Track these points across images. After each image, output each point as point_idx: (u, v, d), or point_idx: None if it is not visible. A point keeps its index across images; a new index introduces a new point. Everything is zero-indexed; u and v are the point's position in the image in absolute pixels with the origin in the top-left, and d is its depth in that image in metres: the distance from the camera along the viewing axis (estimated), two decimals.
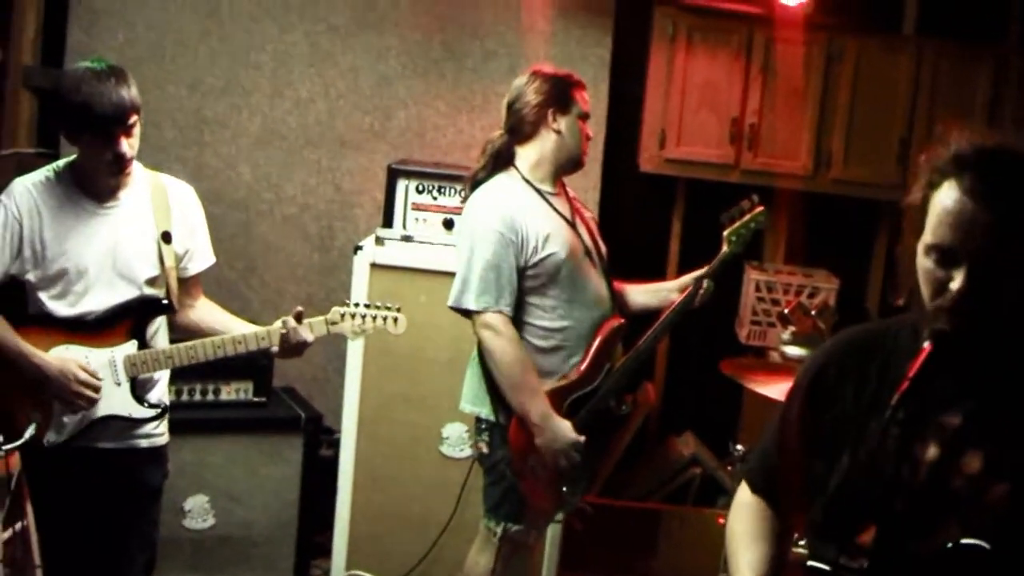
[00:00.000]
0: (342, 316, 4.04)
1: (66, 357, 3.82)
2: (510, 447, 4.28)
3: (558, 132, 4.31)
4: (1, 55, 5.74)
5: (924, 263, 2.23)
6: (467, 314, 4.28)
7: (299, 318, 3.95)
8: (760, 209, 4.54)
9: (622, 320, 4.45)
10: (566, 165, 4.39)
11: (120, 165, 3.78)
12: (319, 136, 6.38)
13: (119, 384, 3.90)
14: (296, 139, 6.38)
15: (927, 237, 2.22)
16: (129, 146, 3.76)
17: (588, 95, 4.44)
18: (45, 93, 6.10)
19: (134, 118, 3.74)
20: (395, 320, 4.12)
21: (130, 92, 3.72)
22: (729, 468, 5.28)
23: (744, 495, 2.67)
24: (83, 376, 3.79)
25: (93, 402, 3.82)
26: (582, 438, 4.25)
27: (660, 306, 4.55)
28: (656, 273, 6.12)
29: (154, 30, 6.27)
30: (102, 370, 3.87)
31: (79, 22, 6.23)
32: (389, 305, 4.11)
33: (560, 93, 4.33)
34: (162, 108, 6.25)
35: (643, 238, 6.54)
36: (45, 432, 3.85)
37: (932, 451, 2.25)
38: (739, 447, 4.83)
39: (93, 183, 3.86)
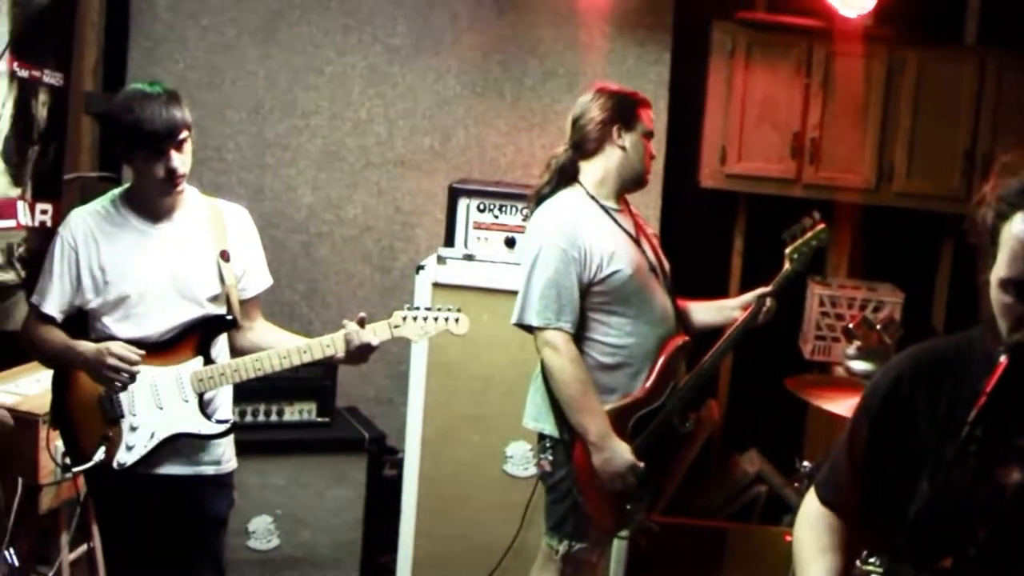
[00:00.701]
0: (404, 319, 4.03)
1: (110, 341, 3.84)
2: (574, 464, 4.27)
3: (623, 148, 4.32)
4: (63, 82, 5.83)
5: (1001, 297, 2.19)
6: (530, 330, 4.29)
7: (362, 323, 3.97)
8: (822, 226, 4.54)
9: (686, 337, 4.44)
10: (629, 182, 4.40)
11: (172, 181, 3.82)
12: (379, 157, 6.43)
13: (187, 401, 3.92)
14: (356, 160, 6.43)
15: (1002, 271, 2.18)
16: (181, 162, 3.81)
17: (651, 112, 4.46)
18: (105, 118, 6.20)
19: (184, 134, 3.80)
20: (457, 320, 4.09)
21: (181, 110, 3.79)
22: (795, 485, 5.26)
23: (812, 506, 2.64)
24: (117, 350, 3.79)
25: (130, 377, 3.81)
26: (640, 463, 4.24)
27: (723, 324, 4.54)
28: (718, 290, 6.12)
29: (214, 55, 6.35)
30: (169, 389, 3.90)
31: (139, 48, 6.33)
32: (450, 307, 4.10)
33: (626, 110, 4.34)
34: (222, 132, 6.33)
35: (705, 254, 6.52)
36: (114, 454, 3.88)
37: (1016, 475, 2.21)
38: (805, 464, 4.80)
39: (148, 203, 3.91)
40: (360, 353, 3.96)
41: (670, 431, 4.39)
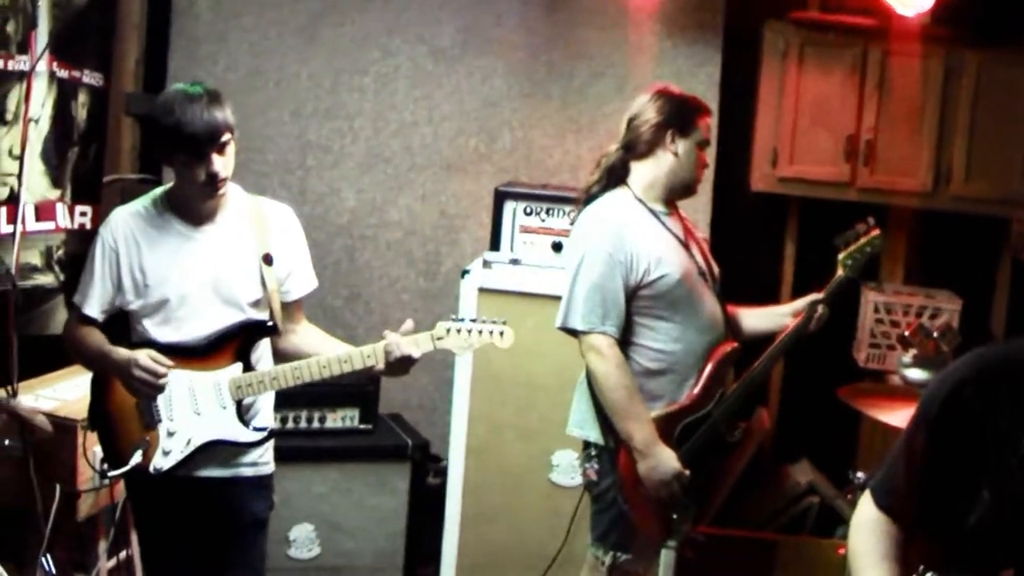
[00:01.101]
0: (448, 331, 3.99)
1: (142, 350, 3.85)
2: (619, 472, 4.26)
3: (675, 154, 4.29)
4: (103, 82, 5.85)
5: None
6: (574, 334, 4.27)
7: (410, 333, 3.95)
8: (876, 232, 4.48)
9: (735, 344, 4.42)
10: (678, 189, 4.37)
11: (214, 185, 3.81)
12: (424, 159, 6.43)
13: (224, 408, 3.92)
14: (400, 163, 6.43)
15: None
16: (222, 165, 3.79)
17: (710, 121, 4.42)
18: (146, 120, 6.22)
19: (227, 136, 3.79)
20: (501, 333, 4.03)
21: (223, 112, 3.78)
22: (848, 497, 5.21)
23: (868, 512, 2.61)
24: (144, 361, 3.79)
25: (157, 388, 3.82)
26: (686, 471, 4.22)
27: (774, 331, 4.50)
28: (769, 296, 6.06)
29: (255, 56, 6.37)
30: (207, 394, 3.90)
31: (180, 49, 6.36)
32: (496, 319, 4.06)
33: (683, 116, 4.31)
34: (264, 134, 6.35)
35: (755, 260, 6.47)
36: (151, 459, 3.89)
37: None
38: (858, 475, 4.75)
39: (189, 206, 3.91)
40: (401, 365, 3.93)
41: (717, 440, 4.36)
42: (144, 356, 3.80)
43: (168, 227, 3.91)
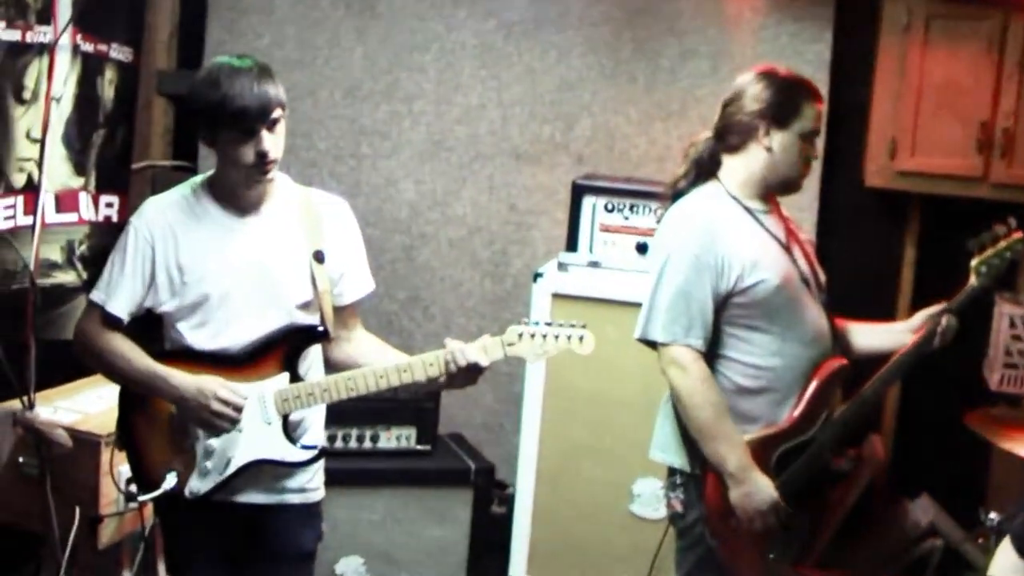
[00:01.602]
0: (520, 336, 3.94)
1: (210, 377, 3.83)
2: (706, 503, 4.21)
3: (768, 149, 4.24)
4: (132, 58, 5.91)
5: None
6: (655, 346, 4.24)
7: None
8: (1018, 236, 4.40)
9: (844, 360, 4.35)
10: (776, 187, 4.32)
11: (263, 167, 3.79)
12: (492, 148, 6.45)
13: (269, 423, 3.90)
14: (465, 151, 6.46)
15: None
16: (273, 144, 3.78)
17: (822, 108, 4.34)
18: (181, 99, 6.27)
19: (278, 112, 3.78)
20: (581, 338, 3.98)
21: (274, 86, 3.77)
22: (979, 540, 5.16)
23: (1008, 561, 2.58)
24: (224, 393, 3.79)
25: (234, 422, 3.82)
26: (783, 500, 4.18)
27: (890, 350, 4.41)
28: (884, 307, 6.02)
29: (305, 29, 6.42)
30: (250, 408, 3.87)
31: (219, 21, 6.42)
32: (573, 323, 4.01)
33: (783, 104, 4.22)
34: (314, 117, 6.40)
35: (869, 265, 6.42)
36: (186, 481, 3.89)
37: None
38: (990, 516, 4.69)
39: (234, 193, 3.90)
40: (466, 375, 3.89)
41: (823, 469, 4.31)
42: (219, 385, 3.80)
43: (209, 217, 3.91)
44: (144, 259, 3.88)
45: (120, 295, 3.89)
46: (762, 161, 4.24)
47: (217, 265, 3.88)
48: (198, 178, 4.02)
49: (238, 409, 3.81)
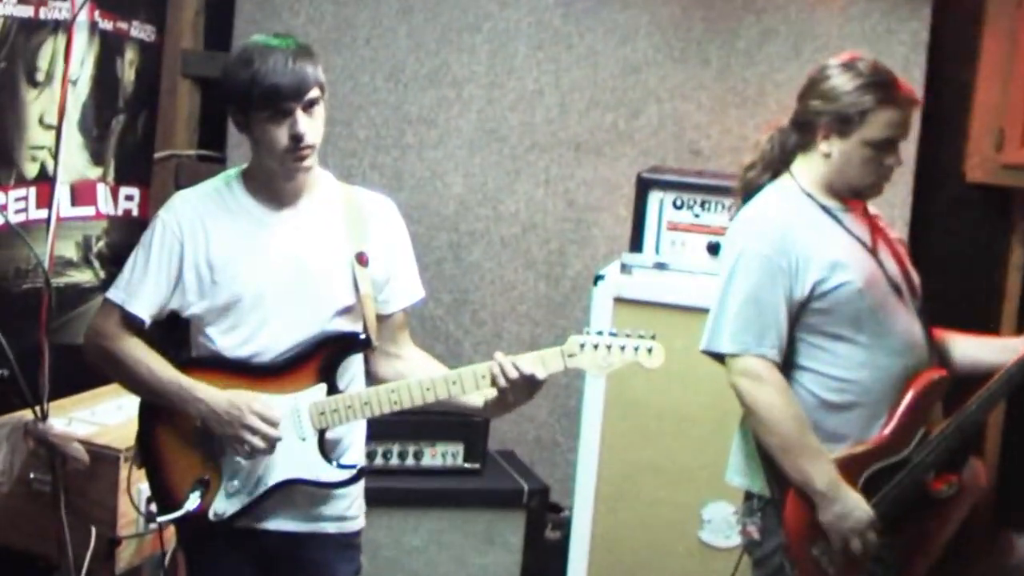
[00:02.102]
0: (582, 346, 3.91)
1: (241, 392, 3.85)
2: (787, 529, 4.20)
3: (825, 156, 4.24)
4: (155, 37, 5.95)
5: None
6: (723, 360, 4.25)
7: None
8: None
9: (943, 371, 4.34)
10: (845, 193, 4.30)
11: (298, 151, 3.80)
12: (548, 138, 6.46)
13: (304, 439, 3.91)
14: (519, 141, 6.48)
15: None
16: (309, 127, 3.79)
17: (908, 112, 4.27)
18: (208, 83, 6.33)
19: (316, 93, 3.80)
20: (649, 350, 3.98)
21: (313, 66, 3.80)
22: None
23: None
24: (258, 407, 3.80)
25: (271, 441, 3.82)
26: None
27: (996, 366, 4.36)
28: (987, 314, 6.00)
29: (344, 6, 6.46)
30: (283, 423, 3.87)
31: None
32: (641, 333, 4.00)
33: (850, 108, 4.17)
34: (353, 103, 6.44)
35: (970, 268, 6.37)
36: (211, 502, 3.92)
37: None
38: None
39: (270, 185, 3.92)
40: (521, 390, 3.87)
41: (919, 493, 4.28)
42: (253, 399, 3.82)
43: (243, 212, 3.94)
44: (172, 255, 3.91)
45: (143, 294, 3.92)
46: (822, 165, 4.25)
47: (251, 263, 3.90)
48: (232, 170, 4.06)
49: (275, 426, 3.82)
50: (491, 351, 3.92)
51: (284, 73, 3.73)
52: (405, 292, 4.13)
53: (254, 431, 3.81)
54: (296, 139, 3.78)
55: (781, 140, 4.35)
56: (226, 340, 3.93)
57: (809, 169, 4.29)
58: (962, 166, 6.15)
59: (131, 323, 3.94)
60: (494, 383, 3.85)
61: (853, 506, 4.14)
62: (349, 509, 4.08)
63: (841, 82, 4.20)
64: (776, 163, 4.36)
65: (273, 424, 3.82)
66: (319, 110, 3.83)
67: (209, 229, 3.92)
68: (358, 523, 4.13)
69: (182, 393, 3.87)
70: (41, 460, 4.68)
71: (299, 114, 3.77)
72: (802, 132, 4.28)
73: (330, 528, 4.05)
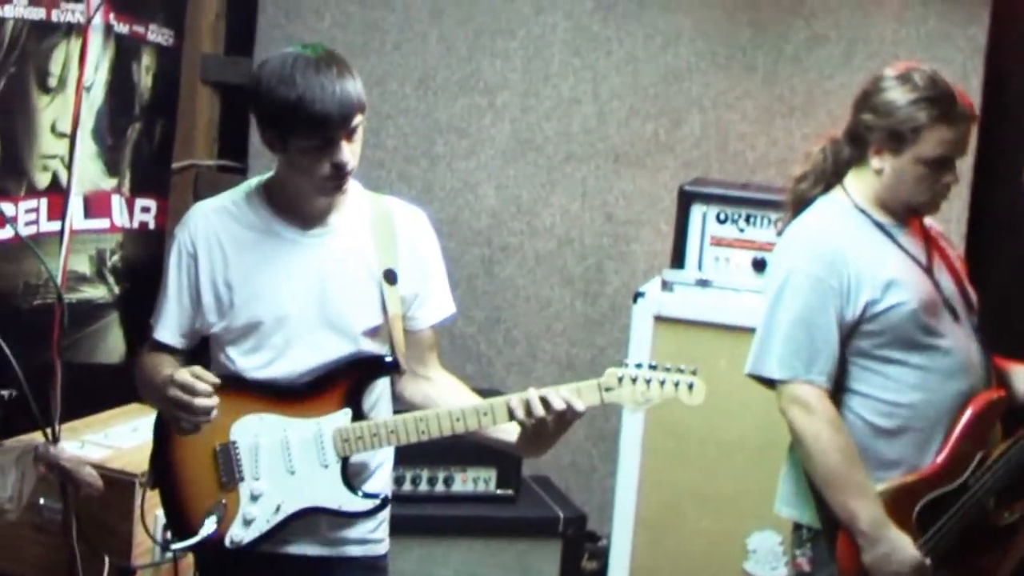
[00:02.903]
0: (620, 379, 3.85)
1: (184, 369, 3.75)
2: (840, 564, 4.17)
3: (877, 172, 4.20)
4: (173, 41, 5.94)
5: None
6: (771, 384, 4.22)
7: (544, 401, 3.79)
8: None
9: (1001, 392, 4.29)
10: (899, 210, 4.26)
11: (338, 180, 3.76)
12: (586, 148, 6.46)
13: (326, 466, 3.86)
14: (555, 152, 6.47)
15: None
16: (351, 154, 3.74)
17: (966, 130, 4.22)
18: (231, 89, 6.31)
19: (359, 118, 3.73)
20: (691, 387, 3.91)
21: (355, 84, 3.72)
22: None
23: None
24: (181, 377, 3.67)
25: (195, 412, 3.68)
26: (927, 560, 4.11)
27: None
28: None
29: (371, 9, 6.46)
30: (305, 448, 3.85)
31: (273, 0, 6.46)
32: (682, 367, 3.93)
33: (903, 125, 4.13)
34: (381, 111, 6.42)
35: None
36: (228, 527, 3.86)
37: None
38: None
39: (298, 204, 3.87)
40: (557, 423, 3.79)
41: (979, 522, 4.23)
42: (183, 372, 3.71)
43: (266, 229, 3.89)
44: (189, 275, 3.89)
45: (167, 320, 3.92)
46: (874, 181, 4.22)
47: (272, 285, 3.86)
48: (252, 181, 4.00)
49: (194, 392, 3.66)
50: (525, 372, 3.90)
51: (332, 100, 3.65)
52: (435, 308, 4.08)
53: (177, 403, 3.68)
54: (338, 168, 3.73)
55: (834, 152, 4.31)
56: (247, 361, 3.90)
57: (862, 184, 4.25)
58: (1022, 176, 6.07)
59: (162, 350, 3.94)
60: (528, 415, 3.78)
61: (898, 547, 4.09)
62: (375, 532, 4.03)
63: (895, 96, 4.15)
64: (828, 176, 4.32)
65: (194, 391, 3.66)
66: (359, 134, 3.78)
67: (226, 247, 3.88)
68: (384, 546, 4.09)
69: (154, 389, 3.84)
70: (52, 486, 4.65)
71: (342, 142, 3.71)
72: (855, 145, 4.24)
73: (355, 551, 4.00)
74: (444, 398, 4.01)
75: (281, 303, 3.85)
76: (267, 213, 3.89)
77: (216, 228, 3.89)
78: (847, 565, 4.15)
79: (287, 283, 3.85)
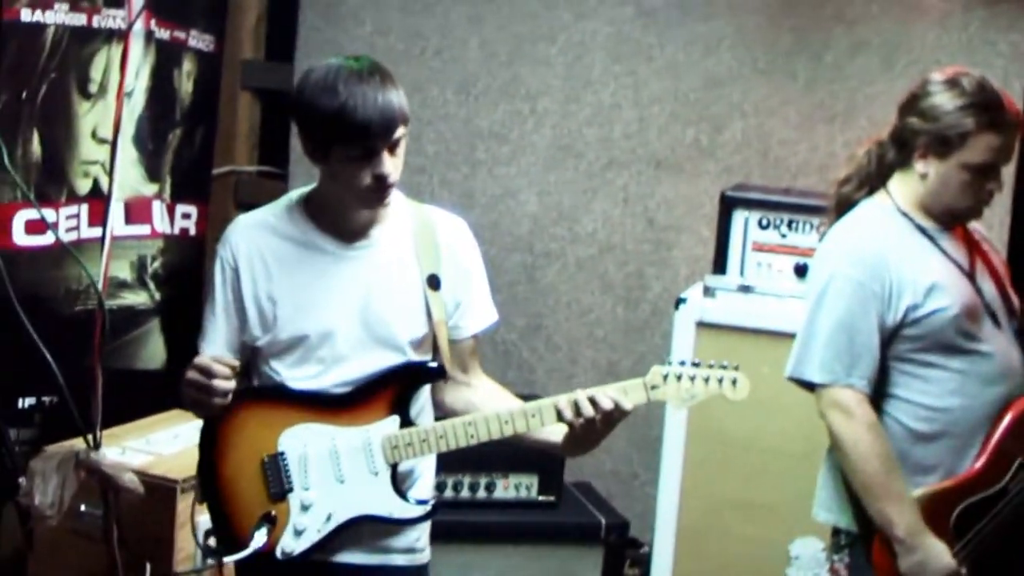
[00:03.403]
0: (665, 377, 3.85)
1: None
2: (875, 571, 4.16)
3: (923, 176, 4.19)
4: (214, 47, 5.95)
5: None
6: (812, 388, 4.21)
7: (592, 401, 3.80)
8: None
9: None
10: (941, 216, 4.25)
11: (380, 192, 3.74)
12: (627, 154, 6.46)
13: (376, 474, 3.84)
14: (596, 157, 6.47)
15: None
16: (394, 166, 3.72)
17: (1013, 137, 4.19)
18: (271, 95, 6.32)
19: (402, 131, 3.71)
20: (734, 382, 3.90)
21: (399, 96, 3.70)
22: None
23: None
24: (202, 360, 3.70)
25: (211, 393, 3.70)
26: (963, 569, 4.09)
27: None
28: None
29: (412, 16, 6.47)
30: (354, 457, 3.83)
31: (313, 5, 6.49)
32: (725, 363, 3.93)
33: (950, 130, 4.11)
34: (422, 117, 6.42)
35: None
36: (278, 538, 3.84)
37: None
38: None
39: (341, 217, 3.85)
40: (604, 423, 3.79)
41: (1017, 527, 4.19)
42: (204, 356, 3.75)
43: (307, 243, 3.87)
44: (234, 290, 3.87)
45: (213, 336, 3.91)
46: (919, 186, 4.20)
47: (316, 300, 3.85)
48: (294, 194, 3.97)
49: (210, 374, 3.69)
50: (566, 378, 3.90)
51: (374, 109, 3.62)
52: (477, 317, 4.06)
53: (195, 385, 3.70)
54: (380, 180, 3.71)
55: (879, 155, 4.30)
56: (292, 373, 3.88)
57: (906, 188, 4.24)
58: None
59: None
60: (577, 415, 3.77)
61: (934, 555, 4.08)
62: (419, 540, 4.02)
63: (943, 100, 4.13)
64: (872, 179, 4.31)
65: (211, 372, 3.69)
66: (402, 146, 3.76)
67: (269, 262, 3.87)
68: (427, 555, 4.07)
69: None
70: (93, 492, 4.65)
71: (384, 154, 3.69)
72: (900, 149, 4.23)
73: (400, 560, 3.99)
74: (486, 403, 3.99)
75: (326, 318, 3.84)
76: (309, 227, 3.87)
77: (258, 243, 3.87)
78: (883, 571, 4.14)
79: (331, 298, 3.84)
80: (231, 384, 3.71)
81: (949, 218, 4.24)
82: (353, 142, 3.64)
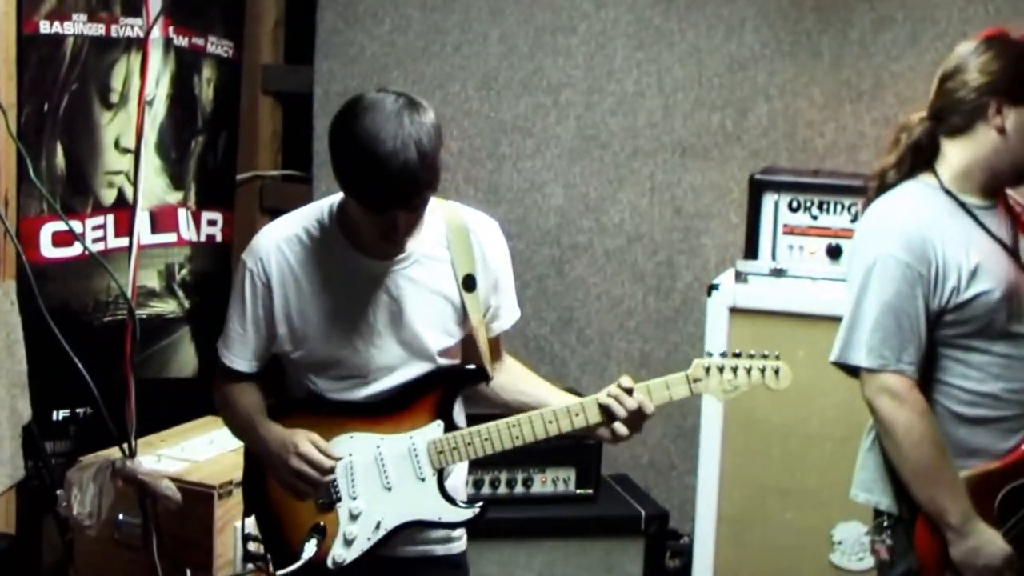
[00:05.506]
0: (707, 370, 3.90)
1: (300, 431, 3.80)
2: (919, 553, 4.12)
3: (1000, 131, 4.10)
4: (233, 52, 5.97)
5: None
6: (856, 373, 4.15)
7: (630, 392, 3.85)
8: None
9: None
10: (1007, 176, 4.17)
11: (391, 247, 3.73)
12: (652, 142, 6.44)
13: (423, 479, 3.87)
14: (621, 147, 6.46)
15: None
16: (407, 225, 3.64)
17: None
18: (293, 98, 6.34)
19: (427, 196, 3.63)
20: (776, 371, 3.96)
21: (426, 158, 3.51)
22: None
23: None
24: (306, 448, 3.75)
25: (317, 485, 3.78)
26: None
27: None
28: None
29: (431, 12, 6.47)
30: (400, 463, 3.86)
31: (332, 6, 6.48)
32: (766, 352, 3.97)
33: (1019, 75, 4.11)
34: (445, 112, 6.39)
35: None
36: (329, 548, 3.87)
37: None
38: None
39: (365, 239, 3.79)
40: (636, 417, 3.86)
41: None
42: (303, 439, 3.77)
43: (339, 259, 3.83)
44: (264, 306, 3.85)
45: (237, 347, 3.91)
46: (991, 145, 4.09)
47: (350, 319, 3.83)
48: (325, 203, 3.89)
49: (322, 470, 3.77)
50: (599, 371, 3.91)
51: (390, 177, 3.49)
52: (505, 317, 4.10)
53: (298, 474, 3.77)
54: (390, 237, 3.67)
55: (925, 132, 4.20)
56: (330, 385, 3.90)
57: (961, 157, 4.14)
58: None
59: (233, 373, 3.94)
60: (620, 406, 3.82)
61: (987, 541, 4.04)
62: (455, 530, 4.05)
63: (998, 51, 4.09)
64: (922, 158, 4.22)
65: (320, 468, 3.78)
66: (425, 208, 3.69)
67: (300, 277, 3.83)
68: (463, 544, 4.11)
69: (249, 432, 3.91)
70: (130, 501, 4.68)
71: (399, 219, 3.61)
72: (959, 115, 4.12)
73: (438, 550, 4.03)
74: (515, 383, 4.07)
75: (361, 335, 3.83)
76: (340, 241, 3.82)
77: (288, 257, 3.83)
78: (927, 556, 4.12)
79: (365, 316, 3.83)
80: (333, 477, 3.82)
81: (1013, 180, 4.18)
82: (368, 204, 3.59)
